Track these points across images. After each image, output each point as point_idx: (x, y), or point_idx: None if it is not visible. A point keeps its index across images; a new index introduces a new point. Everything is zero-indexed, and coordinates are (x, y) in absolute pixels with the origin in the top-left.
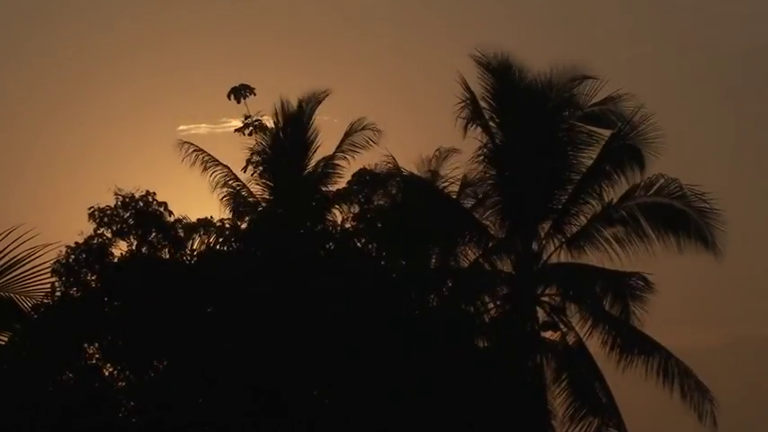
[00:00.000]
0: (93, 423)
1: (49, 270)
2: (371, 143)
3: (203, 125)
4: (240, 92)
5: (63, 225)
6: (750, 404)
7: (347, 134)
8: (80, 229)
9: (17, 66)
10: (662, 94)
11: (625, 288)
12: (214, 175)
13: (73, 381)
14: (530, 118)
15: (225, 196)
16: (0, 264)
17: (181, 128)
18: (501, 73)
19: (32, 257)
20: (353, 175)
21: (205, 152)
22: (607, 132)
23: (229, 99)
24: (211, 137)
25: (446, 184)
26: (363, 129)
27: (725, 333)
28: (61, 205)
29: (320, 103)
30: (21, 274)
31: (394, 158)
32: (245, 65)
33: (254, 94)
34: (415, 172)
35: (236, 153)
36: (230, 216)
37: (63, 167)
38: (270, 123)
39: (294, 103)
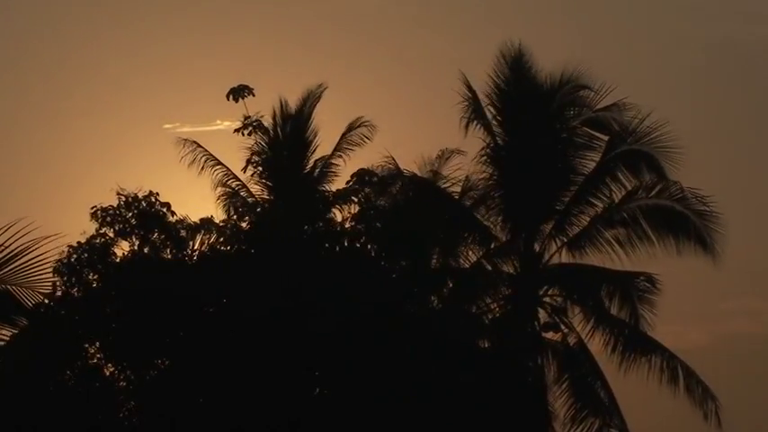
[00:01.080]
0: (94, 423)
1: (48, 262)
2: (366, 140)
3: (197, 124)
4: (239, 92)
5: (61, 220)
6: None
7: (344, 134)
8: (78, 224)
9: (17, 64)
10: (662, 94)
11: (632, 290)
12: (215, 173)
13: (73, 381)
14: (533, 118)
15: (222, 196)
16: (0, 256)
17: (166, 126)
18: (519, 70)
19: (31, 250)
20: (353, 175)
21: (206, 151)
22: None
23: (228, 99)
24: (205, 136)
25: (448, 184)
26: (359, 126)
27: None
28: (60, 201)
29: (319, 100)
30: (20, 266)
31: (393, 159)
32: (242, 64)
33: (254, 95)
34: (417, 172)
35: (231, 153)
36: (226, 216)
37: (61, 164)
38: (267, 123)
39: (292, 103)
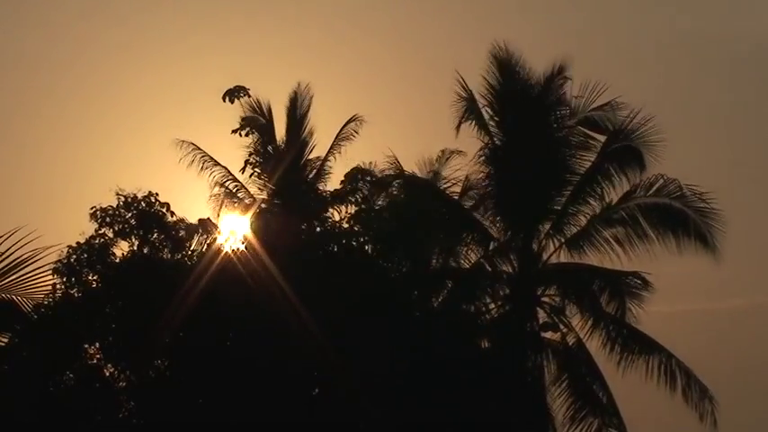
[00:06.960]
0: (93, 423)
1: (49, 272)
2: (354, 134)
3: (195, 125)
4: (235, 93)
5: (64, 227)
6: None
7: (338, 133)
8: (78, 227)
9: (18, 68)
10: (660, 94)
11: (622, 286)
12: (213, 174)
13: (73, 381)
14: (528, 118)
15: (215, 195)
16: (2, 266)
17: (165, 127)
18: (510, 70)
19: (34, 260)
20: (346, 175)
21: (204, 151)
22: (604, 137)
23: (224, 101)
24: (204, 136)
25: (448, 185)
26: (351, 122)
27: None
28: (63, 207)
29: (312, 99)
30: (22, 276)
31: (396, 159)
32: (240, 64)
33: (249, 96)
34: (417, 173)
35: (231, 153)
36: (218, 216)
37: (64, 170)
38: (264, 123)
39: (289, 103)
